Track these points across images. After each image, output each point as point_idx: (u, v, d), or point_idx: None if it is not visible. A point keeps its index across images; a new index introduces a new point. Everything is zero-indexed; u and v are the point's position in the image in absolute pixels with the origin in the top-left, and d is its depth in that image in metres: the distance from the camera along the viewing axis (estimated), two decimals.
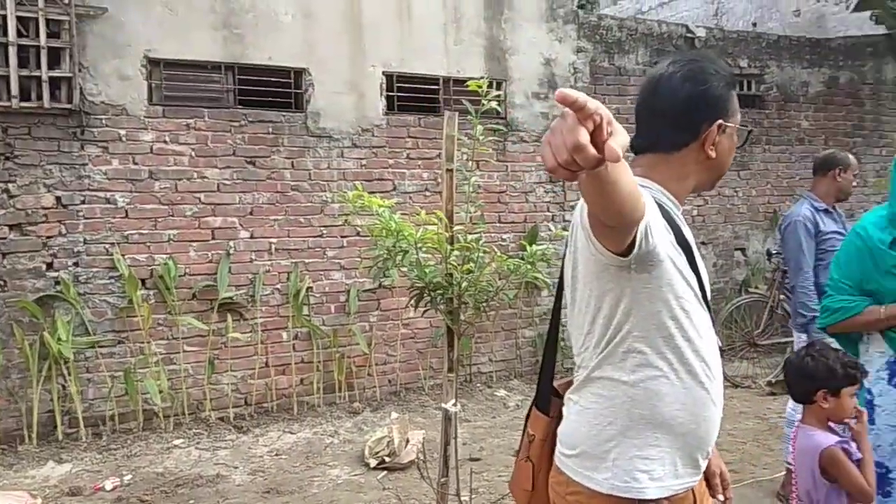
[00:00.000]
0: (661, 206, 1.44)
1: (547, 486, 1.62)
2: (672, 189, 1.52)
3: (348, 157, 5.73)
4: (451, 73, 6.01)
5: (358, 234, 5.57)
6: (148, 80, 5.13)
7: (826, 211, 3.92)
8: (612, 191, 1.08)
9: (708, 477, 1.66)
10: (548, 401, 1.66)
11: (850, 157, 4.03)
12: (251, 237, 5.43)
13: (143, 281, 5.10)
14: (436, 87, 6.04)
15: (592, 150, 0.91)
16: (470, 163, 2.60)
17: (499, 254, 2.61)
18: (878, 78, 8.05)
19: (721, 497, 1.68)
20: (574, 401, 1.55)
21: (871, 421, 2.36)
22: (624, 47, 6.84)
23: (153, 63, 5.16)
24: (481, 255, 2.51)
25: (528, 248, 2.76)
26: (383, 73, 5.82)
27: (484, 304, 2.68)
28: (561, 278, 1.64)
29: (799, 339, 4.08)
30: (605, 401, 1.48)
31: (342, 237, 5.70)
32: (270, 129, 5.47)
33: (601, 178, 1.03)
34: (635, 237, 1.24)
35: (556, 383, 1.69)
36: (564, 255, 1.55)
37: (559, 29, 6.52)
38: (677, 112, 1.50)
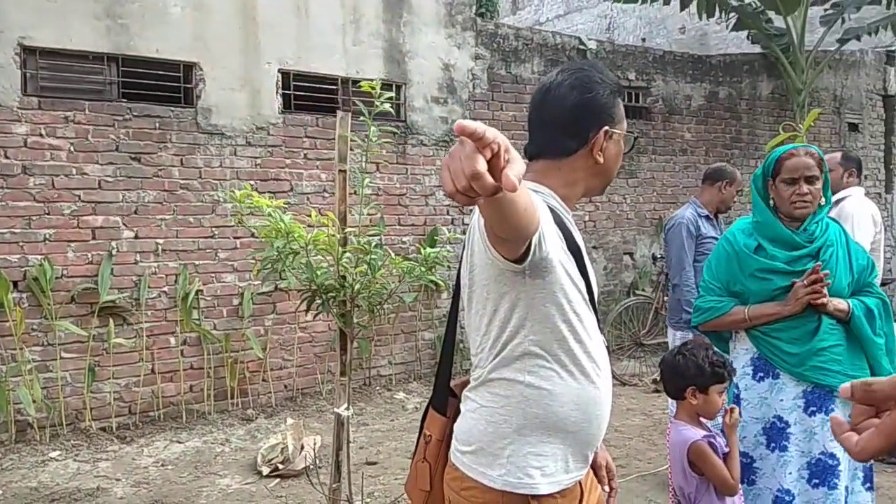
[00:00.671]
0: (552, 211, 1.48)
1: (442, 486, 1.64)
2: (562, 194, 1.56)
3: (242, 155, 5.56)
4: (349, 73, 5.96)
5: (252, 235, 5.39)
6: (22, 70, 4.79)
7: (707, 217, 4.16)
8: (509, 210, 1.12)
9: (595, 469, 1.72)
10: (445, 401, 1.68)
11: (738, 173, 4.30)
12: (136, 237, 5.16)
13: (15, 283, 4.75)
14: (334, 87, 5.97)
15: (489, 179, 0.93)
16: (364, 164, 2.57)
17: (393, 256, 2.59)
18: (753, 94, 8.63)
19: (607, 488, 1.75)
20: (471, 399, 1.57)
21: (739, 413, 2.52)
22: (520, 56, 7.00)
23: (28, 51, 4.82)
24: (374, 257, 2.49)
25: (423, 250, 2.76)
26: (279, 70, 5.69)
27: (378, 307, 2.66)
28: (458, 280, 1.66)
29: (674, 337, 4.31)
30: (501, 400, 1.51)
31: (235, 238, 5.53)
32: (157, 125, 5.23)
33: (499, 200, 1.06)
34: (529, 245, 1.29)
35: (452, 383, 1.71)
36: (462, 257, 1.57)
37: (458, 35, 6.60)
38: (566, 119, 1.54)
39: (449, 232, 6.42)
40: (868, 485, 2.45)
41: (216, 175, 5.45)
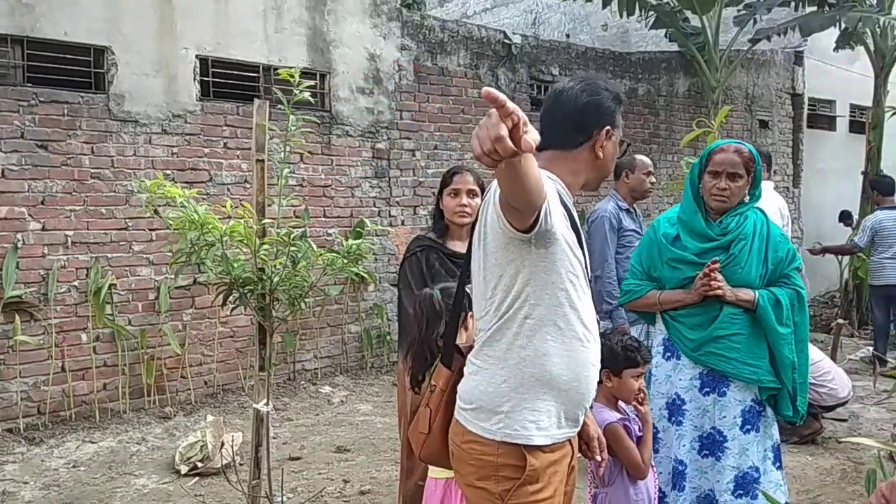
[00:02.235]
0: (558, 194, 1.68)
1: (441, 431, 1.86)
2: (567, 181, 1.77)
3: (157, 143, 5.35)
4: (271, 61, 5.82)
5: (169, 227, 5.22)
6: None
7: (627, 210, 4.26)
8: (523, 180, 1.34)
9: (586, 441, 1.94)
10: (451, 357, 1.90)
11: (636, 158, 4.35)
12: (43, 229, 4.90)
13: None
14: (255, 74, 5.83)
15: (509, 142, 1.16)
16: (284, 154, 2.52)
17: (314, 248, 2.55)
18: (671, 91, 8.92)
19: (598, 458, 1.96)
20: (473, 362, 1.75)
21: (647, 386, 2.64)
22: (447, 48, 7.01)
23: None
24: (295, 249, 2.44)
25: (344, 242, 2.73)
26: (197, 56, 5.50)
27: (299, 300, 2.61)
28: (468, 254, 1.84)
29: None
30: (499, 361, 1.69)
31: (150, 230, 5.32)
32: (66, 111, 4.97)
33: (515, 167, 1.29)
34: (537, 218, 1.49)
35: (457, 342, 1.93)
36: (474, 233, 1.76)
37: (383, 25, 6.54)
38: (575, 116, 1.77)
39: (375, 224, 6.38)
40: (778, 464, 2.60)
41: (130, 164, 5.23)
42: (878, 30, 8.51)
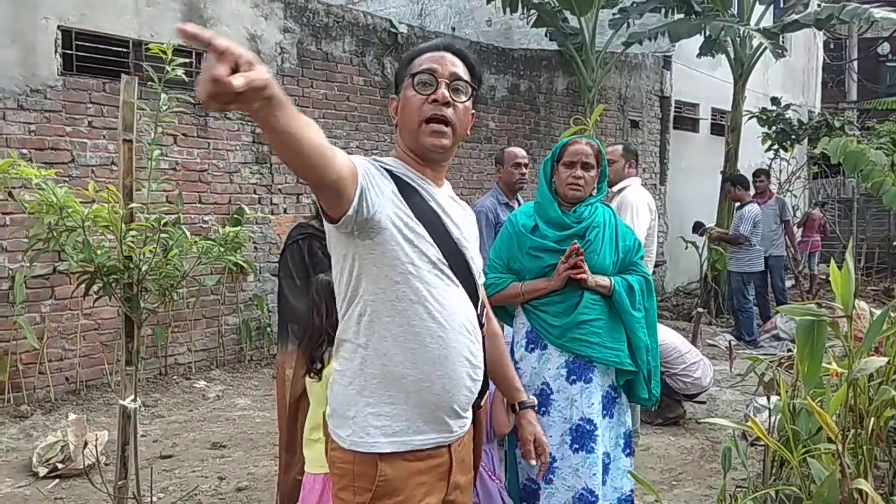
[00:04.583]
0: (400, 179, 1.57)
1: None
2: (407, 162, 1.63)
3: (13, 120, 4.91)
4: (142, 35, 5.48)
5: (25, 210, 4.81)
6: None
7: (507, 205, 4.35)
8: (291, 142, 1.25)
9: (523, 443, 1.87)
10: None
11: (506, 150, 4.44)
12: None
13: None
14: (125, 49, 5.47)
15: (228, 80, 1.07)
16: (154, 135, 2.37)
17: (187, 235, 2.42)
18: (550, 88, 9.21)
19: (533, 462, 1.88)
20: (333, 364, 1.67)
21: None
22: (331, 33, 6.87)
23: None
24: (166, 236, 2.31)
25: (221, 230, 2.62)
26: (59, 27, 5.09)
27: (171, 290, 2.48)
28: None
29: None
30: (346, 363, 1.59)
31: (4, 214, 4.88)
32: None
33: (273, 125, 1.20)
34: (348, 205, 1.40)
35: None
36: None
37: (265, 5, 6.32)
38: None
39: (255, 212, 6.17)
40: (627, 450, 2.72)
41: None
42: (737, 39, 9.17)
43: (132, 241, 2.24)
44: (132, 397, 2.47)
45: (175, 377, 5.79)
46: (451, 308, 1.59)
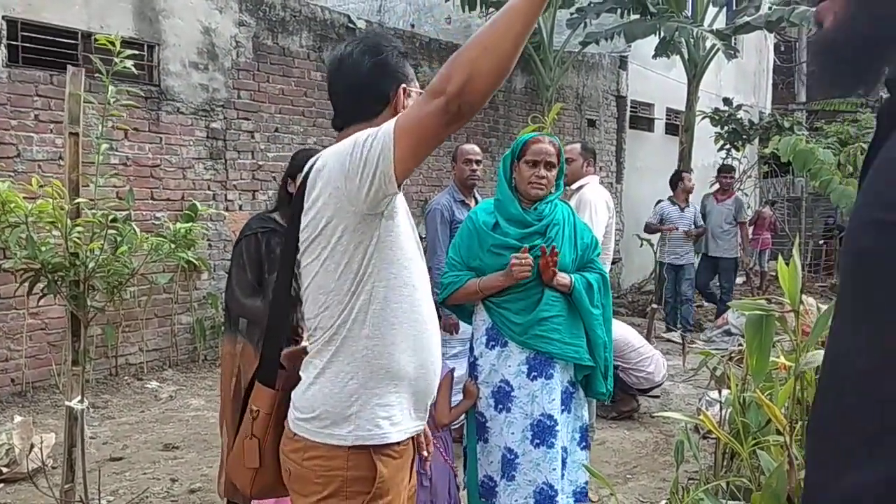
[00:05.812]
0: None
1: (272, 460, 1.62)
2: None
3: None
4: (92, 27, 5.32)
5: None
6: None
7: (463, 202, 4.34)
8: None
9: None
10: (274, 374, 1.64)
11: (460, 147, 4.43)
12: None
13: None
14: (74, 41, 5.30)
15: None
16: (101, 129, 2.30)
17: (137, 232, 2.36)
18: (509, 87, 9.25)
19: (424, 453, 1.84)
20: (314, 364, 1.56)
21: (475, 378, 2.71)
22: (288, 28, 6.78)
23: None
24: (114, 232, 2.24)
25: (172, 226, 2.56)
26: (4, 17, 4.91)
27: (120, 288, 2.41)
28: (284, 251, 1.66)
29: None
30: (346, 357, 1.52)
31: None
32: None
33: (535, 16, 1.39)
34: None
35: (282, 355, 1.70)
36: (303, 219, 1.55)
37: None
38: (365, 83, 1.61)
39: (209, 208, 6.04)
40: (584, 444, 2.75)
41: None
42: (691, 40, 9.35)
43: (78, 238, 2.17)
44: (79, 398, 2.40)
45: (126, 377, 5.66)
46: (428, 293, 1.64)
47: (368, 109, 1.61)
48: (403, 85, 1.63)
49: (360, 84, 1.61)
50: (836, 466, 0.66)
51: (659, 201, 8.23)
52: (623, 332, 4.68)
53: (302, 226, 1.55)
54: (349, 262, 1.50)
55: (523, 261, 2.52)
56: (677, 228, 7.60)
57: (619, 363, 4.52)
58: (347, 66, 1.63)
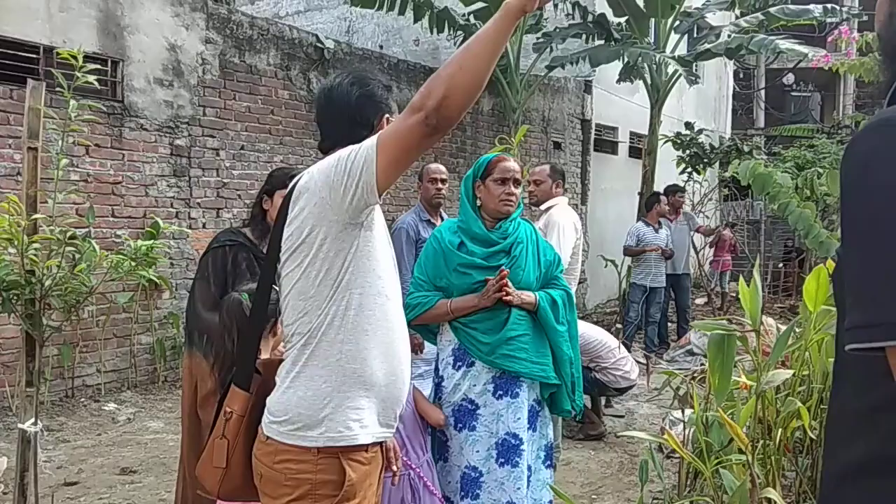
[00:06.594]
0: None
1: (242, 463, 1.70)
2: None
3: None
4: (54, 42, 5.24)
5: None
6: None
7: (429, 221, 4.35)
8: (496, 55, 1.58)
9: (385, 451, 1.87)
10: (250, 377, 1.72)
11: (426, 167, 4.46)
12: None
13: None
14: (35, 55, 5.21)
15: None
16: (61, 144, 2.25)
17: (96, 249, 2.31)
18: (476, 109, 9.33)
19: (394, 467, 1.89)
20: (289, 369, 1.64)
21: (439, 398, 2.69)
22: (256, 46, 6.76)
23: None
24: (73, 249, 2.19)
25: (133, 244, 2.51)
26: None
27: (76, 307, 2.35)
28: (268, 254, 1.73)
29: None
30: (320, 361, 1.60)
31: None
32: None
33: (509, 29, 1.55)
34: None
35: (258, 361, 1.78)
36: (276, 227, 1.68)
37: (186, 15, 6.17)
38: (352, 110, 1.75)
39: (171, 226, 5.95)
40: (548, 462, 2.75)
41: None
42: (654, 66, 9.55)
43: (35, 255, 2.11)
44: (32, 420, 2.32)
45: (83, 399, 5.50)
46: (401, 304, 1.75)
47: (353, 134, 1.71)
48: (387, 115, 1.78)
49: (347, 111, 1.75)
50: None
51: (640, 221, 8.14)
52: (597, 334, 4.78)
53: (284, 236, 1.64)
54: (329, 269, 1.59)
55: (498, 285, 2.53)
56: (660, 248, 7.64)
57: (596, 363, 4.63)
58: (337, 94, 1.77)
